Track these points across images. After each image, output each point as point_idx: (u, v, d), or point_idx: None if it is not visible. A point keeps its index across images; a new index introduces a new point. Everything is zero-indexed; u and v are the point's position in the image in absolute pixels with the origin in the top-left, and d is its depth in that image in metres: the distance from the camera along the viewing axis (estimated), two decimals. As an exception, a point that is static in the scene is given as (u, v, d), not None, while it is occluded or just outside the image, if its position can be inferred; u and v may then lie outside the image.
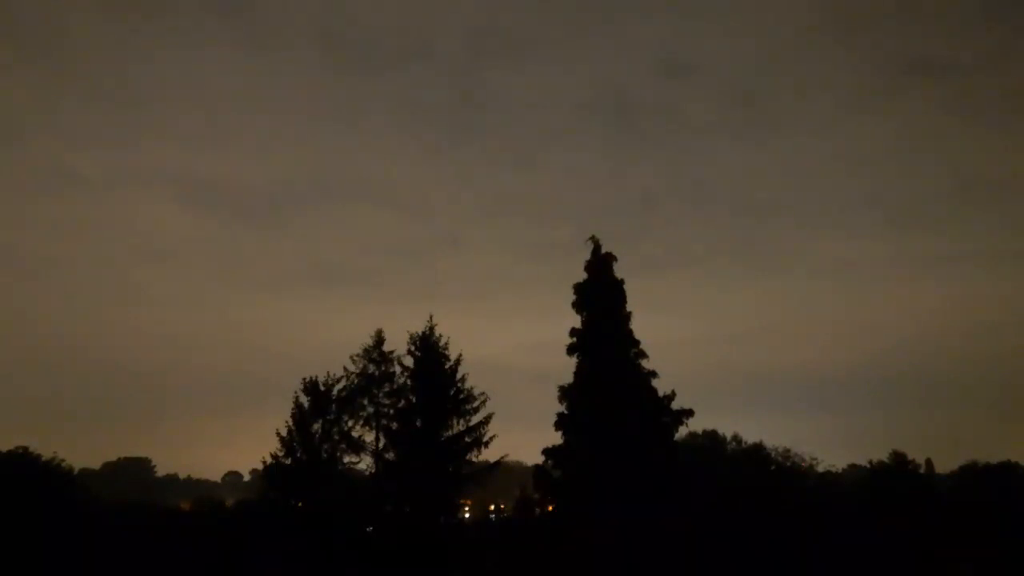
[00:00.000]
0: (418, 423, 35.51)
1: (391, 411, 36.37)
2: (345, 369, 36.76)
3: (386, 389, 36.75)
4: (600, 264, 33.88)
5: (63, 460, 44.58)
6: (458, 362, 36.56)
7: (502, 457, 36.39)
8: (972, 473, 60.81)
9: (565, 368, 32.88)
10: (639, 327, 32.86)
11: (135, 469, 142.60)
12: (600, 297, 33.11)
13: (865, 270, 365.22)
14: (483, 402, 35.84)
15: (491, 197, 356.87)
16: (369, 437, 36.10)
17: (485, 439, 35.18)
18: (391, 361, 37.10)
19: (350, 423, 36.13)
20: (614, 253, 34.10)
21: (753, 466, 46.95)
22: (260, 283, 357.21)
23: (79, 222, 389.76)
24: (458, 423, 35.47)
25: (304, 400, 35.81)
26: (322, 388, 36.05)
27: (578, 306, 33.44)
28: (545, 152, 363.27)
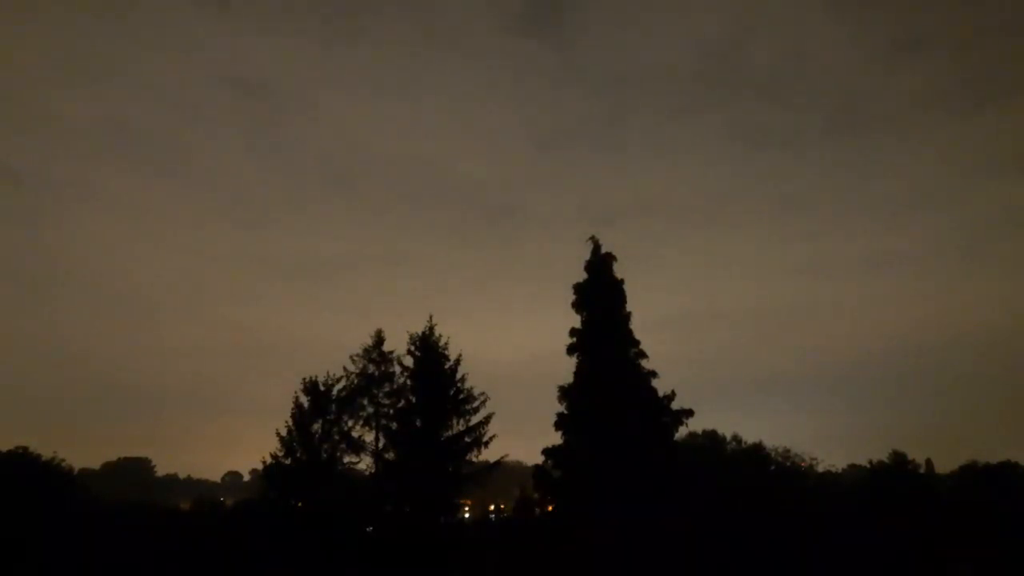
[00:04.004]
0: (418, 423, 35.47)
1: (391, 411, 36.34)
2: (345, 369, 36.80)
3: (386, 389, 36.74)
4: (600, 264, 33.77)
5: (63, 460, 44.83)
6: (458, 362, 36.57)
7: (502, 457, 36.35)
8: (972, 473, 60.64)
9: (565, 368, 32.88)
10: (639, 328, 32.87)
11: (135, 469, 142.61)
12: (600, 297, 33.00)
13: (865, 271, 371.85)
14: (483, 402, 35.84)
15: (499, 263, 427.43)
16: (369, 437, 36.13)
17: (485, 439, 35.13)
18: (391, 361, 37.11)
19: (350, 423, 36.12)
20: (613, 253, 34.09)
21: (753, 466, 46.94)
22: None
23: (86, 233, 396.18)
24: (458, 423, 35.44)
25: (304, 400, 35.82)
26: (322, 388, 36.03)
27: (578, 306, 33.33)
28: (543, 234, 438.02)
